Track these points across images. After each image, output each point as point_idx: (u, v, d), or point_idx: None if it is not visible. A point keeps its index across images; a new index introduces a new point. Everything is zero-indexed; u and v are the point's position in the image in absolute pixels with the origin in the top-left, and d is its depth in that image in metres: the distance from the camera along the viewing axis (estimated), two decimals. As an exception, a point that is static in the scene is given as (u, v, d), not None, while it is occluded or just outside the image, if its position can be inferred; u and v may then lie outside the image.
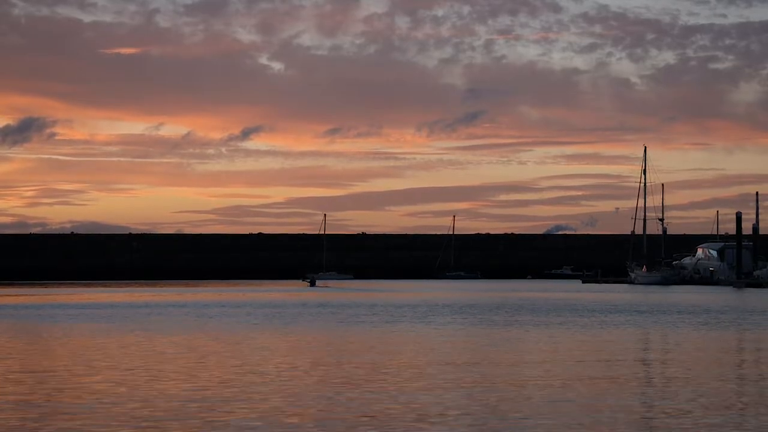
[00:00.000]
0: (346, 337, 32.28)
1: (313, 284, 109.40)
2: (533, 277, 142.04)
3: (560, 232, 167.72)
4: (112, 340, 30.85)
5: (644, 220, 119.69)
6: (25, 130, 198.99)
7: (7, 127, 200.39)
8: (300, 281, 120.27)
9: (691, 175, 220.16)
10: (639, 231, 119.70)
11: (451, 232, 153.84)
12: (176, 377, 20.50)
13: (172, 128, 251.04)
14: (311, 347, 28.57)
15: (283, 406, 16.44)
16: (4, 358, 25.02)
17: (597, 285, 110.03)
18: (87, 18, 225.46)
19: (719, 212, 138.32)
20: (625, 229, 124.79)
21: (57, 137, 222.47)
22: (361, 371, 21.60)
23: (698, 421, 15.02)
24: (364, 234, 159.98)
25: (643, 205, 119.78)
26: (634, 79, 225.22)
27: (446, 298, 66.80)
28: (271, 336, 32.60)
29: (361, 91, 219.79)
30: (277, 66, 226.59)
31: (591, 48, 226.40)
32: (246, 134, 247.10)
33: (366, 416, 15.39)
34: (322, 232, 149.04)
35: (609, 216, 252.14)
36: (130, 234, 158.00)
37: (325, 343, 30.15)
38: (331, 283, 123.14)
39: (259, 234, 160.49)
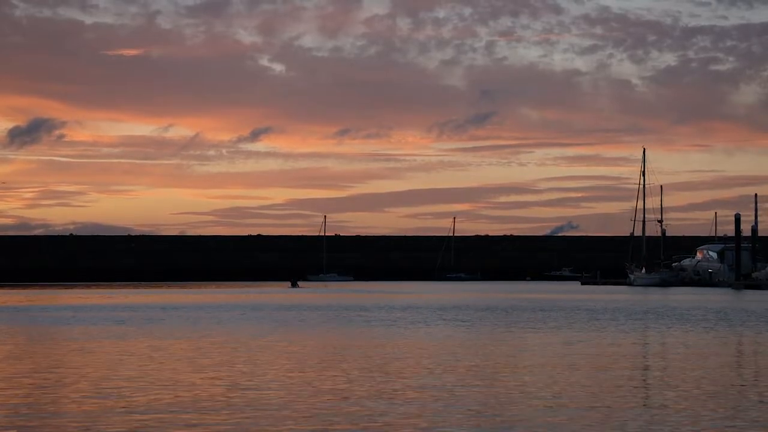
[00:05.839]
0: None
1: (294, 285, 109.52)
2: (532, 279, 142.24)
3: (560, 234, 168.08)
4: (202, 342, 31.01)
5: (643, 221, 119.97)
6: (33, 132, 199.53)
7: (15, 129, 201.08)
8: (286, 283, 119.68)
9: (691, 177, 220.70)
10: (638, 233, 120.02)
11: (451, 234, 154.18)
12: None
13: (180, 130, 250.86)
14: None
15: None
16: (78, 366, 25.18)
17: (596, 286, 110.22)
18: (88, 19, 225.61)
19: (718, 214, 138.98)
20: (625, 231, 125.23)
21: (65, 139, 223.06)
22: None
23: (698, 424, 15.28)
24: (338, 235, 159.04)
25: (642, 207, 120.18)
26: (634, 81, 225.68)
27: (439, 299, 66.80)
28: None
29: (365, 92, 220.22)
30: (278, 67, 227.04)
31: (592, 49, 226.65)
32: (255, 136, 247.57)
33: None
34: (322, 234, 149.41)
35: (608, 216, 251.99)
36: (130, 235, 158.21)
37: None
38: (331, 284, 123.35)
39: (259, 236, 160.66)
